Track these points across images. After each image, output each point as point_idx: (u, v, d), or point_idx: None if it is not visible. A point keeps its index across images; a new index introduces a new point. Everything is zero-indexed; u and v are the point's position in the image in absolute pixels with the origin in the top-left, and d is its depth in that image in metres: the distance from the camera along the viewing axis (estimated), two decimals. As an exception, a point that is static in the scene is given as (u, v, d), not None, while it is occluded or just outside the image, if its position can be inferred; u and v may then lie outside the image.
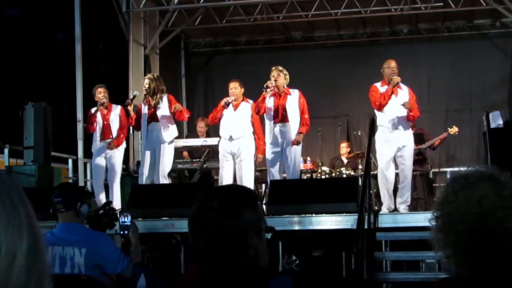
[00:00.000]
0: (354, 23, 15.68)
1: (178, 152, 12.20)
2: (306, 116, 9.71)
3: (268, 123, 9.68)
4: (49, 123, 10.64)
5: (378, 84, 9.45)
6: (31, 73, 15.06)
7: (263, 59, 15.02)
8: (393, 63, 9.39)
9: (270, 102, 9.63)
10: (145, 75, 13.81)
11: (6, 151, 10.76)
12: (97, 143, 10.43)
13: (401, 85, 9.43)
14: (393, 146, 9.17)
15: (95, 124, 10.40)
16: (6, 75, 14.48)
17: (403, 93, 9.40)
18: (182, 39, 16.64)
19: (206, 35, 16.67)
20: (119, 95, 11.53)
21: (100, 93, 10.43)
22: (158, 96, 9.90)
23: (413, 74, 15.24)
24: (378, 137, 9.34)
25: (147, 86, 9.94)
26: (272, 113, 9.58)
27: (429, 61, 15.51)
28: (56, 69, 14.55)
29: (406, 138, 9.29)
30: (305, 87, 12.86)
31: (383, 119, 9.24)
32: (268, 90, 9.48)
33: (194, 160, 11.39)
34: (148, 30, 14.65)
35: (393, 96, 9.30)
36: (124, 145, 10.60)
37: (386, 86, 9.33)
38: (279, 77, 9.61)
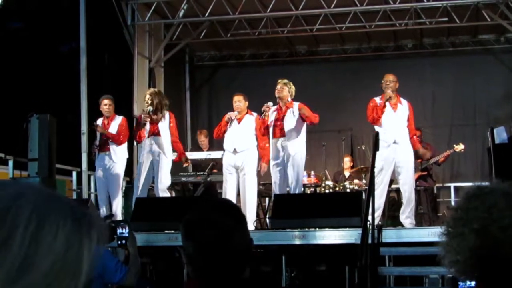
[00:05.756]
0: (359, 37, 15.71)
1: (182, 165, 12.20)
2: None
3: (270, 139, 9.67)
4: (54, 135, 10.63)
5: (377, 98, 9.48)
6: (35, 85, 15.08)
7: (267, 72, 15.04)
8: (388, 77, 9.39)
9: (272, 117, 9.65)
10: (149, 87, 13.86)
11: (10, 163, 10.77)
12: (97, 155, 10.53)
13: (402, 99, 9.43)
14: (389, 162, 9.14)
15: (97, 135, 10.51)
16: (11, 87, 14.50)
17: (403, 108, 9.39)
18: (187, 52, 16.68)
19: (210, 48, 16.70)
20: (123, 108, 11.53)
21: (106, 105, 10.47)
22: (162, 111, 9.96)
23: (418, 88, 15.27)
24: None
25: (149, 102, 9.96)
26: (271, 128, 9.59)
27: (434, 76, 15.51)
28: (61, 81, 14.57)
29: (404, 153, 9.26)
30: (309, 101, 12.89)
31: (380, 133, 9.25)
32: (265, 114, 9.54)
33: (198, 173, 11.38)
34: (153, 43, 14.68)
35: (391, 111, 9.31)
36: (126, 155, 10.58)
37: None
38: (283, 90, 9.62)
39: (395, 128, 9.19)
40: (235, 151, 9.78)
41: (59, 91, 14.52)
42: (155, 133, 9.95)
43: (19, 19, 15.65)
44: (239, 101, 9.94)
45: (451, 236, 1.83)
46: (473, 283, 1.85)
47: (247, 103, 10.02)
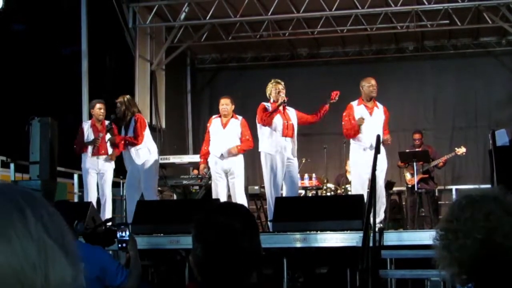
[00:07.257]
0: (360, 40, 15.71)
1: (184, 168, 12.22)
2: None
3: (275, 136, 9.54)
4: (55, 138, 10.63)
5: (354, 103, 9.51)
6: (37, 87, 15.09)
7: (268, 75, 14.93)
8: (373, 81, 9.43)
9: (276, 116, 9.59)
10: (150, 90, 13.90)
11: (11, 166, 10.77)
12: (88, 158, 10.48)
13: (378, 104, 9.47)
14: (366, 167, 9.10)
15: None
16: (12, 89, 14.51)
17: (379, 112, 9.42)
18: (188, 55, 16.69)
19: (212, 51, 16.72)
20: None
21: (101, 109, 10.48)
22: (127, 118, 9.95)
23: (419, 91, 15.30)
24: (351, 157, 9.39)
25: (117, 110, 10.00)
26: (280, 127, 9.50)
27: (435, 79, 15.51)
28: (62, 84, 14.58)
29: (381, 159, 9.17)
30: (310, 103, 12.92)
31: (356, 139, 9.40)
32: (284, 104, 9.49)
33: (199, 176, 11.38)
34: (154, 46, 14.69)
35: (367, 115, 9.34)
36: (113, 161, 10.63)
37: (362, 105, 9.38)
38: (284, 91, 9.61)
39: (371, 132, 9.15)
40: (222, 157, 9.76)
41: (60, 93, 14.52)
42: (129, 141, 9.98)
43: (21, 22, 15.67)
44: (226, 104, 9.90)
45: (451, 249, 1.81)
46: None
47: (233, 106, 9.98)
